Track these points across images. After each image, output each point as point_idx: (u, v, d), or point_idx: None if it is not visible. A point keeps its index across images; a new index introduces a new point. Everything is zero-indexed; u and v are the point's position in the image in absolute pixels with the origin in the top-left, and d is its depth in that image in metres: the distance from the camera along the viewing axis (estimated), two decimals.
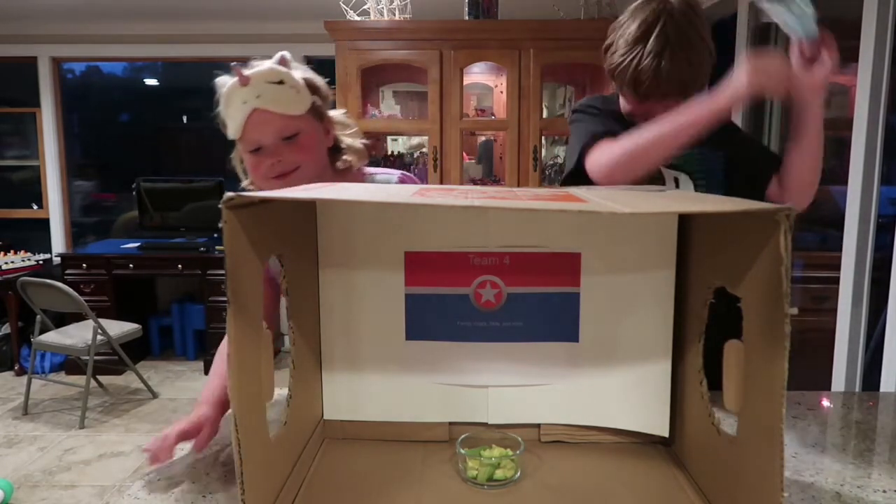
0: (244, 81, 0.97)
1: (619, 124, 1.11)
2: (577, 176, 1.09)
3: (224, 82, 1.00)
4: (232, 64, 0.98)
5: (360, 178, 1.15)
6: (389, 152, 3.20)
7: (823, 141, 1.11)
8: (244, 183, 1.10)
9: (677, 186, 1.13)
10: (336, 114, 1.13)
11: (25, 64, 4.07)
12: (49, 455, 2.76)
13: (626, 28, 1.06)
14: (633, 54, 1.03)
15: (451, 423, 0.86)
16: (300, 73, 1.04)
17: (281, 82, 0.99)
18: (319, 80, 1.07)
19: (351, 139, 1.14)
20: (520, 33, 2.75)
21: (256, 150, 1.01)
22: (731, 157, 1.18)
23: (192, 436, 0.86)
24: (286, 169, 1.01)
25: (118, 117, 4.63)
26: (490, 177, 3.23)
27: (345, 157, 1.12)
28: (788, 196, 1.12)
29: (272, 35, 3.89)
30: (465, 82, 2.83)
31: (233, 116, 0.99)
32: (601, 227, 0.81)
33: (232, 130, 1.01)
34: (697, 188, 1.15)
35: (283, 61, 1.01)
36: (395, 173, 1.19)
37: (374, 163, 3.05)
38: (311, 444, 0.80)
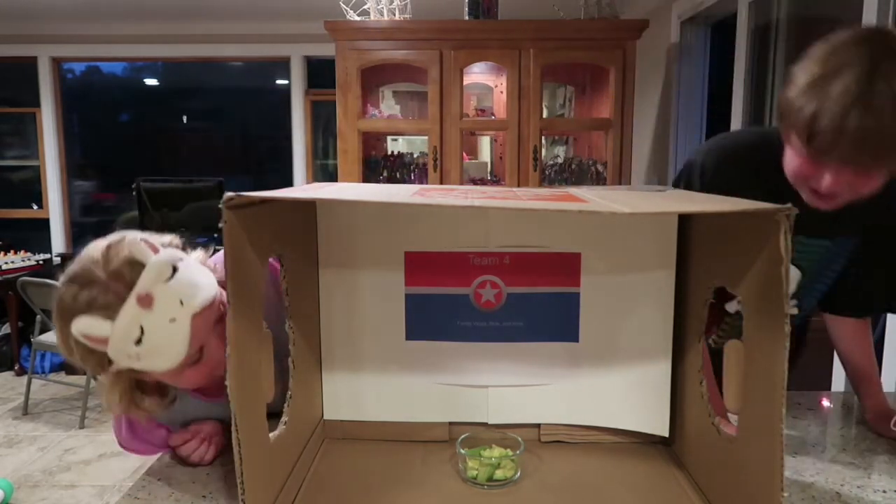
0: (148, 302, 0.69)
1: (761, 182, 0.87)
2: None
3: (92, 325, 0.70)
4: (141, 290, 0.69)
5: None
6: (389, 152, 3.20)
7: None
8: (114, 411, 0.82)
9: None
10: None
11: (25, 64, 4.07)
12: (49, 455, 2.76)
13: (817, 62, 0.78)
14: (817, 94, 0.75)
15: (451, 423, 0.86)
16: (157, 240, 0.79)
17: (175, 269, 0.72)
18: (168, 237, 0.82)
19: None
20: (520, 33, 2.75)
21: (200, 356, 0.76)
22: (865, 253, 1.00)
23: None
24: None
25: (118, 117, 4.63)
26: (491, 177, 3.23)
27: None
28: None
29: (272, 35, 3.89)
30: (465, 82, 2.83)
31: (164, 343, 0.71)
32: (601, 227, 0.81)
33: (168, 360, 0.72)
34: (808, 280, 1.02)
35: (147, 245, 0.74)
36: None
37: (374, 162, 3.05)
38: (311, 444, 0.80)
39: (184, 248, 0.81)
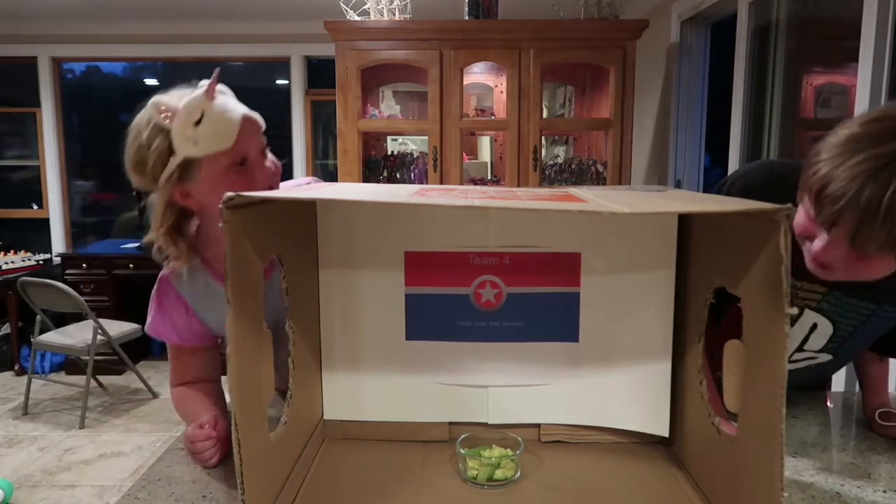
0: (212, 96, 0.85)
1: None
2: None
3: (165, 100, 0.85)
4: (217, 69, 0.86)
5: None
6: (389, 152, 3.20)
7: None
8: (159, 233, 0.91)
9: (812, 330, 0.96)
10: None
11: (25, 64, 4.07)
12: (49, 455, 2.76)
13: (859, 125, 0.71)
14: (836, 162, 0.69)
15: (451, 423, 0.86)
16: None
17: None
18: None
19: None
20: (520, 33, 2.75)
21: (243, 162, 0.88)
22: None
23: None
24: (274, 180, 0.93)
25: (118, 117, 4.62)
26: (490, 177, 3.23)
27: None
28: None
29: (272, 35, 3.89)
30: (465, 82, 2.83)
31: (218, 126, 0.84)
32: (601, 227, 0.81)
33: (220, 142, 0.84)
34: (836, 338, 0.97)
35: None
36: (305, 180, 1.13)
37: (374, 163, 3.05)
38: (311, 444, 0.80)
39: None
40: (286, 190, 0.89)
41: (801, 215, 0.77)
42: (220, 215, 0.75)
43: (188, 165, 0.85)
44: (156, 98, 0.86)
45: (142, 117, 0.87)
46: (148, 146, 0.85)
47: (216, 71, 0.85)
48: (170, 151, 0.84)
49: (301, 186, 1.00)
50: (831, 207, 0.69)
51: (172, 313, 0.98)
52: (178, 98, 0.85)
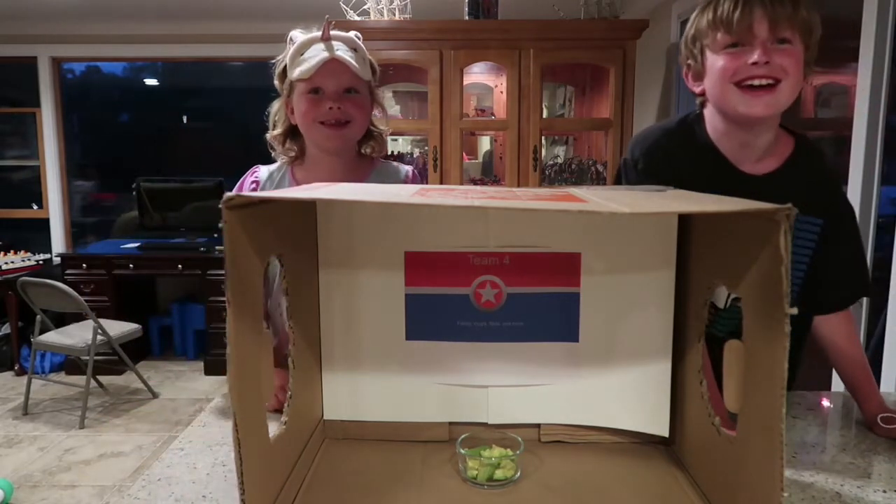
0: (326, 37, 1.11)
1: (689, 157, 1.01)
2: None
3: (299, 35, 1.13)
4: (327, 16, 1.13)
5: (372, 166, 1.24)
6: (389, 152, 3.20)
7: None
8: (270, 134, 1.19)
9: None
10: (381, 99, 1.25)
11: (25, 64, 4.07)
12: (49, 455, 2.76)
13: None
14: (710, 2, 0.93)
15: (451, 423, 0.86)
16: (367, 55, 1.19)
17: (355, 50, 1.14)
18: (377, 67, 1.21)
19: (383, 129, 1.25)
20: (520, 33, 2.75)
21: (317, 91, 1.11)
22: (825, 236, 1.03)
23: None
24: (341, 117, 1.11)
25: (118, 117, 4.63)
26: (490, 177, 3.23)
27: (371, 143, 1.22)
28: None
29: (272, 35, 3.87)
30: (465, 82, 2.83)
31: (307, 59, 1.10)
32: (601, 227, 0.81)
33: (300, 72, 1.10)
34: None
35: (358, 38, 1.17)
36: (403, 170, 1.27)
37: None
38: (311, 444, 0.80)
39: None
40: (287, 190, 0.89)
41: (718, 66, 0.94)
42: (300, 116, 1.13)
43: (292, 84, 1.13)
44: (292, 32, 1.15)
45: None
46: (281, 62, 1.15)
47: (326, 18, 1.12)
48: (284, 73, 1.15)
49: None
50: (736, 17, 0.89)
51: (243, 188, 1.19)
52: (306, 33, 1.14)
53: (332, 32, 1.12)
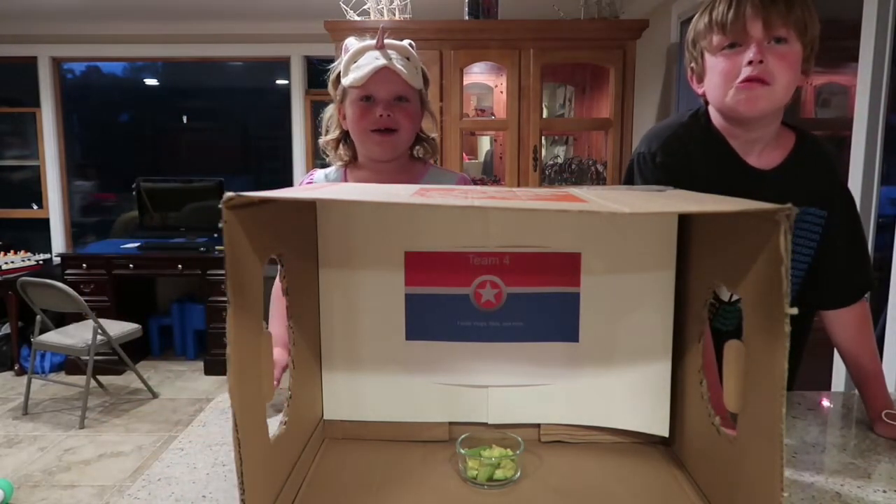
0: (380, 45, 1.12)
1: (706, 149, 1.02)
2: None
3: (354, 42, 1.15)
4: (381, 25, 1.15)
5: (426, 170, 1.26)
6: None
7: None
8: (323, 139, 1.23)
9: None
10: (432, 108, 1.25)
11: (25, 64, 4.07)
12: (49, 455, 2.76)
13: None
14: (722, 5, 0.94)
15: (451, 423, 0.86)
16: (419, 62, 1.20)
17: (408, 59, 1.15)
18: (429, 76, 1.22)
19: (434, 135, 1.26)
20: (520, 33, 2.75)
21: (368, 98, 1.12)
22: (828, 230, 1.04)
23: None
24: (391, 125, 1.12)
25: (118, 117, 4.63)
26: (490, 177, 3.23)
27: (420, 147, 1.24)
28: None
29: (272, 35, 3.89)
30: (465, 82, 2.83)
31: (360, 67, 1.11)
32: (601, 227, 0.81)
33: (353, 79, 1.11)
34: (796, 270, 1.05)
35: (412, 46, 1.18)
36: (457, 175, 1.30)
37: None
38: (311, 444, 0.80)
39: None
40: (287, 190, 0.89)
41: (717, 68, 0.95)
42: (356, 124, 1.15)
43: (345, 91, 1.15)
44: (348, 39, 1.16)
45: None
46: (336, 69, 1.17)
47: (381, 26, 1.13)
48: (338, 78, 1.16)
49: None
50: (731, 18, 0.91)
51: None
52: (361, 40, 1.15)
53: (386, 41, 1.13)
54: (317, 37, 3.16)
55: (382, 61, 1.10)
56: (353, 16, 2.80)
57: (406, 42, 1.17)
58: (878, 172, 1.81)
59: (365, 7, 2.80)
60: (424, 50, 2.74)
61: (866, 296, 1.07)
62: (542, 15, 2.95)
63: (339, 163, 1.22)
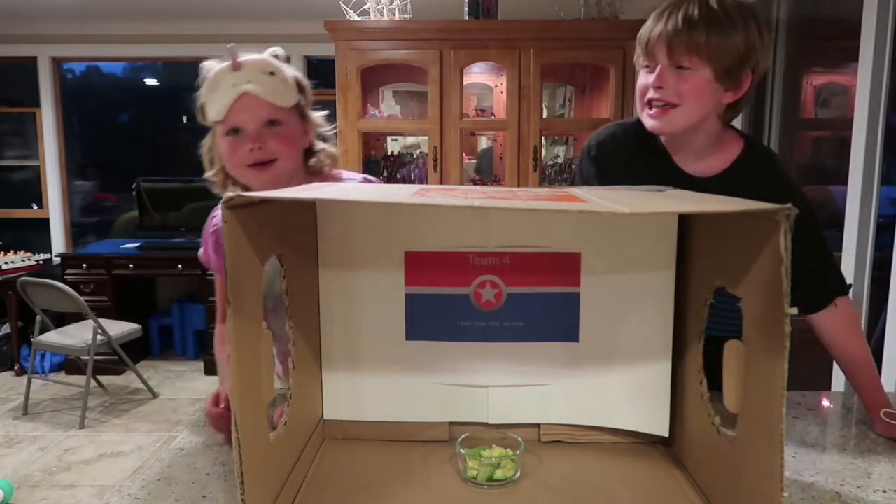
0: (237, 66, 0.98)
1: (635, 156, 1.08)
2: None
3: (211, 66, 1.01)
4: (228, 45, 0.98)
5: (329, 180, 1.14)
6: (389, 152, 3.20)
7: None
8: (208, 174, 1.09)
9: None
10: (317, 115, 1.13)
11: (25, 64, 4.07)
12: (49, 455, 2.76)
13: None
14: (650, 22, 1.00)
15: (451, 423, 0.86)
16: (290, 70, 1.05)
17: (272, 73, 1.00)
18: (306, 82, 1.08)
19: (326, 144, 1.14)
20: (520, 33, 2.75)
21: (236, 131, 1.00)
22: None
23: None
24: (265, 157, 1.00)
25: (118, 117, 4.63)
26: (490, 177, 3.23)
27: (317, 158, 1.11)
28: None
29: (272, 35, 3.88)
30: (465, 82, 2.83)
31: (219, 98, 0.99)
32: (601, 227, 0.81)
33: (215, 112, 1.00)
34: None
35: (276, 56, 1.03)
36: (358, 176, 1.20)
37: (374, 163, 3.05)
38: (311, 444, 0.80)
39: (309, 105, 1.12)
40: (287, 190, 0.89)
41: (640, 78, 1.02)
42: (225, 158, 1.04)
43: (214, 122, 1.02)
44: (207, 62, 1.03)
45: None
46: (199, 99, 1.04)
47: (229, 47, 0.98)
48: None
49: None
50: (647, 41, 0.97)
51: (215, 243, 1.13)
52: (221, 61, 1.00)
53: (244, 59, 0.99)
54: (317, 37, 3.16)
55: (241, 87, 0.97)
56: (353, 16, 2.80)
57: (268, 53, 1.03)
58: (878, 172, 1.81)
59: (365, 7, 2.80)
60: (424, 50, 2.74)
61: (849, 297, 1.07)
62: (542, 15, 2.94)
63: (225, 189, 1.08)
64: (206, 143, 1.09)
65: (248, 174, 1.02)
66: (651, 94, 0.98)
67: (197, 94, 1.04)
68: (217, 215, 1.12)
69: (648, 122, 1.01)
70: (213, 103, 1.00)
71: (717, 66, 0.95)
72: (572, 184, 1.18)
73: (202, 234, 1.17)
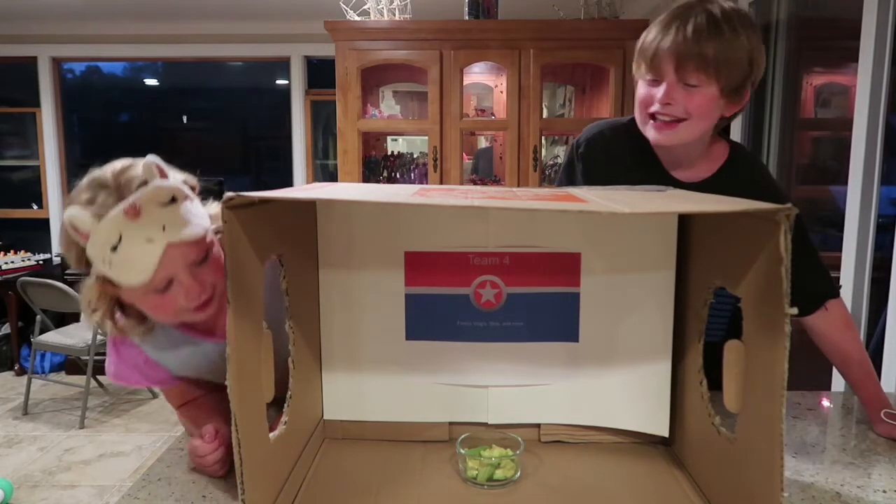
0: (135, 213, 0.74)
1: (628, 157, 1.07)
2: None
3: (81, 217, 0.74)
4: (130, 201, 0.74)
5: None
6: (389, 152, 3.20)
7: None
8: (95, 319, 0.84)
9: None
10: (211, 208, 0.87)
11: (25, 64, 4.07)
12: (49, 455, 2.76)
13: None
14: (648, 31, 1.00)
15: (451, 423, 0.86)
16: (173, 173, 0.81)
17: (173, 199, 0.77)
18: (184, 175, 0.84)
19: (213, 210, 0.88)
20: (520, 33, 2.75)
21: (166, 286, 0.79)
22: None
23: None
24: (209, 293, 0.82)
25: (118, 117, 4.63)
26: (490, 177, 3.23)
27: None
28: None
29: (272, 35, 3.89)
30: (465, 82, 2.83)
31: (135, 259, 0.75)
32: (601, 227, 0.81)
33: (135, 276, 0.76)
34: None
35: (158, 169, 0.77)
36: None
37: (374, 162, 3.05)
38: (311, 444, 0.80)
39: (198, 194, 0.85)
40: (287, 190, 0.88)
41: (640, 91, 1.01)
42: (158, 315, 0.84)
43: (108, 279, 0.78)
44: (71, 212, 0.75)
45: (66, 210, 0.77)
46: (66, 248, 0.79)
47: (130, 203, 0.74)
48: (87, 262, 0.78)
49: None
50: (653, 54, 0.95)
51: (131, 360, 0.94)
52: (99, 207, 0.75)
53: (137, 200, 0.74)
54: (317, 37, 3.16)
55: (161, 242, 0.75)
56: (353, 16, 2.80)
57: (154, 180, 0.76)
58: (878, 172, 1.81)
59: (365, 7, 2.80)
60: (424, 50, 2.74)
61: (840, 299, 1.06)
62: (542, 15, 2.94)
63: (135, 333, 0.88)
64: (88, 288, 0.82)
65: (190, 316, 0.84)
66: (657, 108, 0.97)
67: (63, 241, 0.79)
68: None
69: (652, 135, 1.00)
70: (121, 267, 0.75)
71: (724, 84, 0.95)
72: (559, 184, 1.18)
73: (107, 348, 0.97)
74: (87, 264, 0.79)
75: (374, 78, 3.02)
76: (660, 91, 0.96)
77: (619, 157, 1.09)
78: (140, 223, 0.74)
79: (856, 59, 1.80)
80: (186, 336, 0.91)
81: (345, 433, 0.87)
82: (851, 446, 0.91)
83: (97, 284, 0.80)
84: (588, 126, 1.15)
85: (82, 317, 0.87)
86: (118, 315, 0.86)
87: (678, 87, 0.96)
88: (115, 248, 0.74)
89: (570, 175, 1.15)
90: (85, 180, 0.80)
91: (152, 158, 0.78)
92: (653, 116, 0.99)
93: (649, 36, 0.98)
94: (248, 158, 4.55)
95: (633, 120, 1.10)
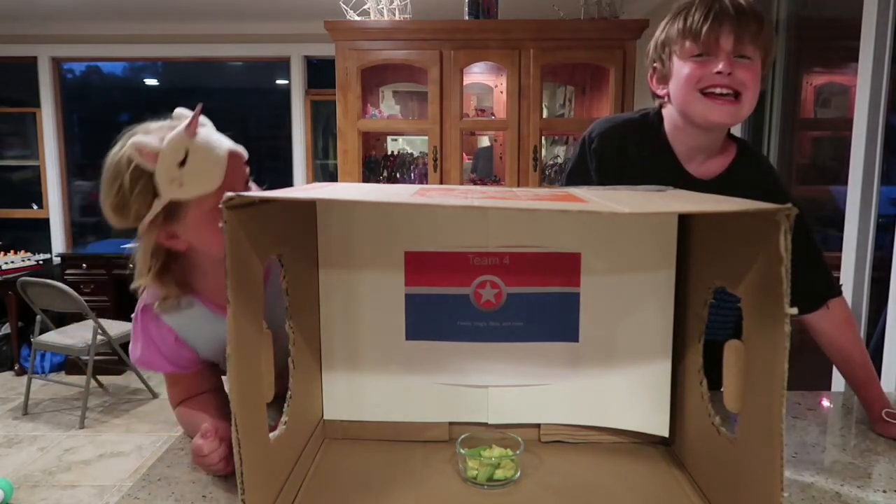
0: (194, 130, 0.82)
1: (644, 148, 1.06)
2: None
3: (147, 139, 0.81)
4: (199, 105, 0.83)
5: None
6: (389, 152, 3.20)
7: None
8: (146, 279, 0.88)
9: None
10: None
11: (25, 64, 4.07)
12: (49, 455, 2.76)
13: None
14: (681, 12, 0.99)
15: (451, 423, 0.86)
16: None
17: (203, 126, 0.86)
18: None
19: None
20: (520, 33, 2.75)
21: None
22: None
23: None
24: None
25: (118, 117, 4.62)
26: (490, 177, 3.23)
27: None
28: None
29: (272, 35, 3.89)
30: (465, 82, 2.83)
31: (204, 167, 0.81)
32: (601, 227, 0.81)
33: (209, 182, 0.81)
34: None
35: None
36: None
37: (374, 162, 3.05)
38: (311, 444, 0.80)
39: None
40: (286, 190, 0.88)
41: (683, 73, 0.98)
42: (213, 242, 0.80)
43: (174, 207, 0.82)
44: (136, 138, 0.81)
45: (120, 157, 0.83)
46: (131, 190, 0.81)
47: (199, 106, 0.83)
48: (154, 194, 0.81)
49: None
50: (706, 28, 0.94)
51: (160, 343, 0.94)
52: (159, 136, 0.81)
53: (195, 119, 0.83)
54: (317, 37, 3.16)
55: (225, 146, 0.84)
56: (353, 16, 2.80)
57: (196, 109, 0.85)
58: (878, 172, 1.81)
59: (365, 7, 2.80)
60: (424, 50, 2.74)
61: (842, 298, 1.06)
62: (542, 15, 2.94)
63: (173, 296, 0.90)
64: (142, 243, 0.86)
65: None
66: (720, 80, 0.94)
67: (114, 187, 0.83)
68: (149, 304, 0.93)
69: (716, 114, 0.96)
70: (198, 174, 0.81)
71: (765, 58, 0.97)
72: (569, 183, 1.15)
73: (132, 331, 0.97)
74: (138, 219, 0.82)
75: (374, 78, 3.02)
76: (717, 64, 0.94)
77: (634, 150, 1.07)
78: (200, 138, 0.82)
79: (856, 59, 1.80)
80: (217, 315, 0.93)
81: (345, 433, 0.87)
82: (851, 446, 0.91)
83: (152, 247, 0.85)
84: (598, 121, 1.13)
85: (137, 278, 0.89)
86: (167, 275, 0.89)
87: (731, 59, 0.94)
88: (182, 164, 0.80)
89: (583, 172, 1.11)
90: (133, 130, 0.86)
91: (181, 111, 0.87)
92: (705, 95, 0.96)
93: (694, 16, 0.96)
94: (248, 158, 4.55)
95: (645, 114, 1.09)
